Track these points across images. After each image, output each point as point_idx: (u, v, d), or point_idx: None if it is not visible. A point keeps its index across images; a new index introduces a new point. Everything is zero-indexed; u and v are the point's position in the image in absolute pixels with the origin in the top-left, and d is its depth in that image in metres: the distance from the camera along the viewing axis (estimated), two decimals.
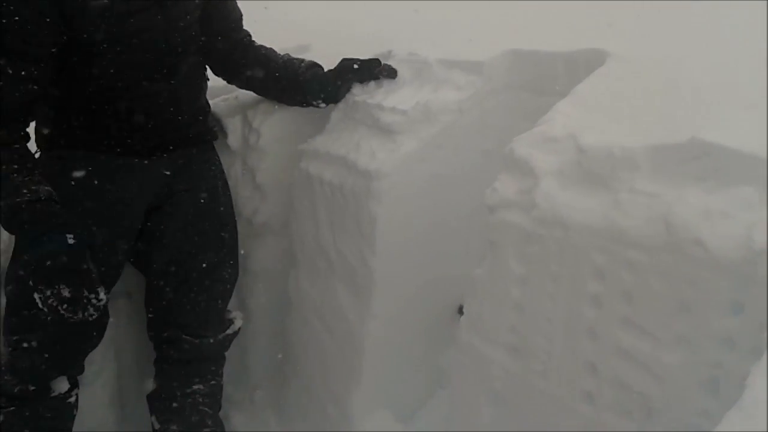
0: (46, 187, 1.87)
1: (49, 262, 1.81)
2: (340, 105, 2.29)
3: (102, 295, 1.88)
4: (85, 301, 1.83)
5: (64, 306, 1.82)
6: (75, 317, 1.83)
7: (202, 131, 2.26)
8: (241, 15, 2.32)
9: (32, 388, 2.00)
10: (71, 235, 1.85)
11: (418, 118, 2.14)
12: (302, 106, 2.32)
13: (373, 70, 2.22)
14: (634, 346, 1.47)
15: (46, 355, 1.98)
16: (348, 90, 2.26)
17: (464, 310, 1.93)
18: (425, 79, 2.25)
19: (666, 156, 1.49)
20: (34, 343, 1.96)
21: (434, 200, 2.16)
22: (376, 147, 2.08)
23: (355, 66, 2.22)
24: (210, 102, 2.33)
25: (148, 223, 2.16)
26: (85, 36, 1.90)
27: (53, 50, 1.89)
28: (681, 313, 1.39)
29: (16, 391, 1.98)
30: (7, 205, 1.82)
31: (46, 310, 1.84)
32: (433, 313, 2.27)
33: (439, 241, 2.19)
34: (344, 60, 2.25)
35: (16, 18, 1.80)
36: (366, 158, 2.07)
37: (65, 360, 2.06)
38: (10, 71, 1.83)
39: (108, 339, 2.23)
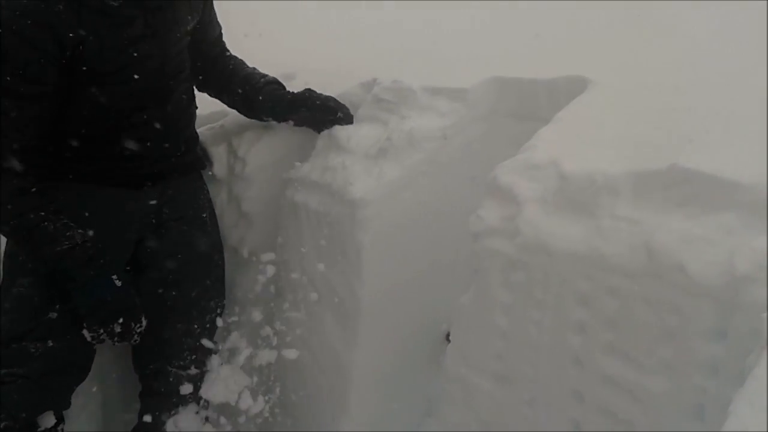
0: (79, 231, 1.93)
1: (102, 307, 1.95)
2: (324, 133, 2.29)
3: (144, 321, 2.06)
4: (133, 332, 2.04)
5: (115, 339, 2.01)
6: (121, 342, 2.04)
7: (192, 160, 2.26)
8: (221, 29, 2.34)
9: (19, 423, 1.97)
10: (115, 276, 1.97)
11: (402, 145, 2.15)
12: (259, 120, 2.33)
13: (326, 118, 2.20)
14: (619, 373, 1.47)
15: (34, 390, 1.96)
16: (300, 123, 2.26)
17: (451, 338, 1.92)
18: (409, 106, 2.26)
19: (647, 182, 1.50)
20: (21, 378, 1.94)
21: (420, 228, 2.16)
22: (361, 175, 2.08)
23: (317, 102, 2.20)
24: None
25: (137, 254, 2.15)
26: (84, 68, 1.90)
27: (58, 83, 1.88)
28: (665, 340, 1.39)
29: (2, 426, 1.96)
30: (47, 255, 1.90)
31: (94, 342, 2.01)
32: (420, 341, 2.26)
33: (425, 268, 2.19)
34: (307, 91, 2.23)
35: (18, 58, 1.79)
36: (351, 186, 2.07)
37: (53, 395, 2.03)
38: (14, 114, 1.82)
39: (93, 372, 2.20)
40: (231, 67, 2.32)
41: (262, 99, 2.23)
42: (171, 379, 2.16)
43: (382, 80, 2.38)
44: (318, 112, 2.20)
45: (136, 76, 1.97)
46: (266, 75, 2.31)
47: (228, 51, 2.37)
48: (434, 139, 2.16)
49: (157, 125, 2.07)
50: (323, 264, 2.15)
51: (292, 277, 2.26)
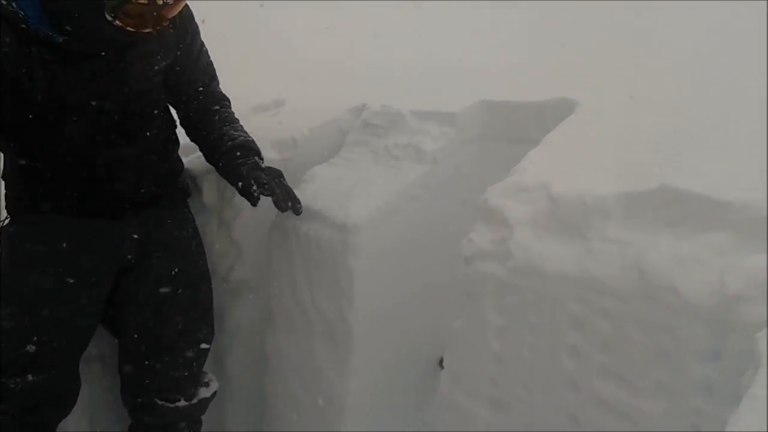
0: None
1: None
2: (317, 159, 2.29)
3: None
4: None
5: None
6: None
7: (173, 191, 2.23)
8: (210, 78, 2.25)
9: None
10: None
11: (392, 170, 2.16)
12: None
13: (279, 204, 2.09)
14: (614, 396, 1.46)
15: (14, 427, 1.92)
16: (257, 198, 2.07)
17: (444, 363, 1.90)
18: (399, 131, 2.27)
19: (637, 203, 1.50)
20: (1, 415, 1.90)
21: (411, 252, 2.15)
22: (351, 200, 2.07)
23: (264, 182, 2.06)
24: (184, 159, 2.32)
25: (121, 285, 2.12)
26: (35, 106, 1.85)
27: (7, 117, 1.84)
28: (659, 361, 1.38)
29: None
30: None
31: None
32: (414, 367, 2.24)
33: (417, 293, 2.18)
34: (255, 175, 2.07)
35: None
36: (341, 212, 2.06)
37: (37, 429, 1.99)
38: None
39: (82, 405, 2.17)
40: (210, 123, 2.21)
41: (221, 167, 2.17)
42: (160, 413, 2.12)
43: (371, 105, 2.40)
44: (276, 194, 2.07)
45: (96, 114, 1.92)
46: (236, 136, 2.17)
47: (218, 105, 2.26)
48: (424, 163, 2.16)
49: (127, 162, 2.03)
50: (314, 290, 2.13)
51: (283, 304, 2.24)
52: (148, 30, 1.78)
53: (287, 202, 2.08)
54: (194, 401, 2.17)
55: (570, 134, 1.89)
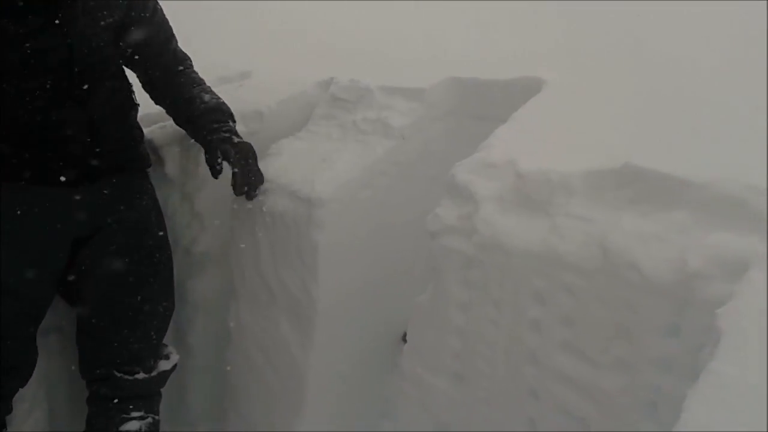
0: None
1: None
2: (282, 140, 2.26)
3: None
4: None
5: None
6: None
7: (132, 159, 2.15)
8: (168, 37, 2.16)
9: None
10: None
11: (360, 144, 2.14)
12: None
13: (234, 188, 2.02)
14: (575, 370, 1.48)
15: None
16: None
17: (407, 337, 1.91)
18: (367, 105, 2.25)
19: (601, 181, 1.51)
20: None
21: (378, 227, 2.14)
22: (317, 174, 2.05)
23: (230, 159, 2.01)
24: (145, 130, 2.26)
25: (78, 256, 2.06)
26: None
27: None
28: (619, 337, 1.40)
29: None
30: None
31: None
32: (377, 341, 2.24)
33: (383, 268, 2.17)
34: (225, 145, 2.02)
35: None
36: (307, 185, 2.04)
37: None
38: None
39: (39, 376, 2.13)
40: (176, 85, 2.14)
41: (194, 131, 2.12)
42: (118, 384, 2.09)
43: (339, 79, 2.37)
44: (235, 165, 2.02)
45: (41, 72, 1.85)
46: (208, 100, 2.11)
47: (181, 66, 2.18)
48: (392, 138, 2.15)
49: (78, 125, 1.95)
50: (278, 264, 2.11)
51: (246, 278, 2.21)
52: None
53: (243, 187, 2.01)
54: (153, 374, 2.14)
55: (537, 112, 1.90)
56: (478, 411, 1.68)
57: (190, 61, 2.25)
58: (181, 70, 2.18)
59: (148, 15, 2.08)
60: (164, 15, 2.16)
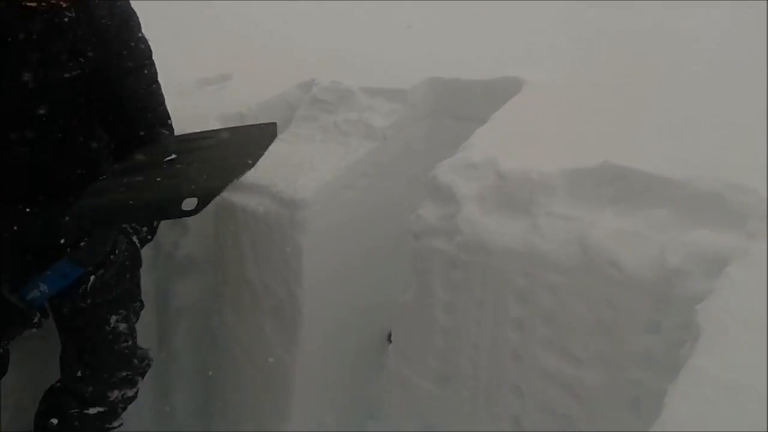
0: None
1: None
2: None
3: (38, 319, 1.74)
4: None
5: None
6: None
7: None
8: (148, 85, 1.87)
9: None
10: None
11: (342, 146, 2.14)
12: None
13: None
14: (557, 367, 1.49)
15: None
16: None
17: (392, 338, 1.91)
18: (348, 107, 2.25)
19: (581, 180, 1.53)
20: None
21: (361, 228, 2.14)
22: (300, 176, 2.05)
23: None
24: None
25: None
26: None
27: None
28: (600, 334, 1.42)
29: None
30: None
31: None
32: (362, 342, 2.24)
33: (366, 269, 2.17)
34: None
35: None
36: (290, 187, 2.04)
37: None
38: None
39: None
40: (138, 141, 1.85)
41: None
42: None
43: (320, 81, 2.37)
44: None
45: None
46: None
47: (156, 128, 1.89)
48: (374, 139, 2.15)
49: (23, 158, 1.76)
50: (262, 266, 2.11)
51: (230, 280, 2.21)
52: (33, 4, 1.59)
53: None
54: (129, 375, 2.03)
55: (517, 112, 1.91)
56: (463, 410, 1.69)
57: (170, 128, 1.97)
58: (152, 133, 1.90)
59: (137, 62, 1.85)
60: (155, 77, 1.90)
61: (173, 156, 1.70)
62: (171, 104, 1.95)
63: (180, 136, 1.94)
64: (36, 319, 1.73)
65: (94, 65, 1.77)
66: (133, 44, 1.83)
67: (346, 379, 2.21)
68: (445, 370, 1.73)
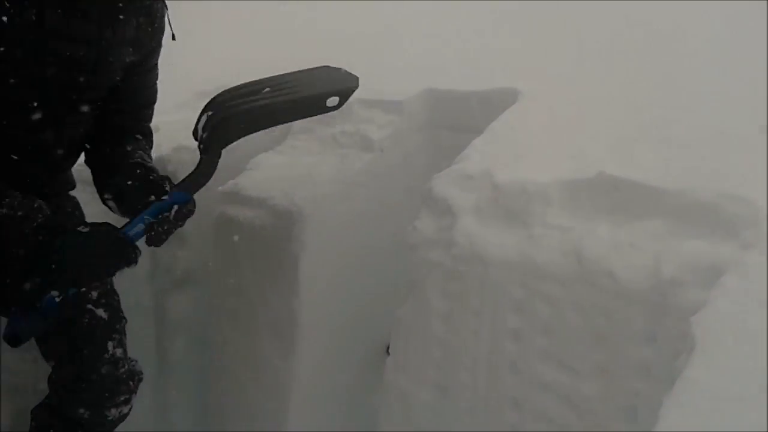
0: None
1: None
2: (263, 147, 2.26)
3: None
4: None
5: None
6: None
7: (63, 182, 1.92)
8: (147, 104, 1.91)
9: None
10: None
11: (339, 158, 2.15)
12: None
13: None
14: (555, 378, 1.49)
15: None
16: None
17: (390, 350, 1.91)
18: (345, 118, 2.26)
19: (576, 191, 1.53)
20: None
21: (358, 239, 2.15)
22: (297, 188, 2.06)
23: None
24: None
25: None
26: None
27: None
28: (597, 344, 1.42)
29: None
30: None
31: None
32: (360, 354, 2.24)
33: (364, 280, 2.17)
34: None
35: None
36: (287, 200, 2.04)
37: None
38: None
39: None
40: (130, 161, 1.79)
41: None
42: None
43: None
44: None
45: (44, 74, 1.62)
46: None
47: (141, 138, 1.89)
48: (371, 150, 2.16)
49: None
50: (259, 279, 2.11)
51: (227, 293, 2.21)
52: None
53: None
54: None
55: (513, 123, 1.92)
56: (462, 421, 1.68)
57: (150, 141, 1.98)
58: (135, 143, 1.89)
59: (153, 77, 1.89)
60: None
61: (268, 89, 1.78)
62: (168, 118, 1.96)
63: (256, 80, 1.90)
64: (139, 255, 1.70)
65: (136, 59, 1.80)
66: (162, 39, 1.86)
67: (344, 392, 2.21)
68: (443, 382, 1.73)
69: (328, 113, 2.29)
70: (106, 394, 1.89)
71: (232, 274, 2.19)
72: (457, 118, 2.19)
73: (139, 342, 2.05)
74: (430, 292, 1.73)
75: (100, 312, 1.85)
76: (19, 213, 1.55)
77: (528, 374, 1.54)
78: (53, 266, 1.57)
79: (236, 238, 2.15)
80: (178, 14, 1.94)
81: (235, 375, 2.22)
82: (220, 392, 2.29)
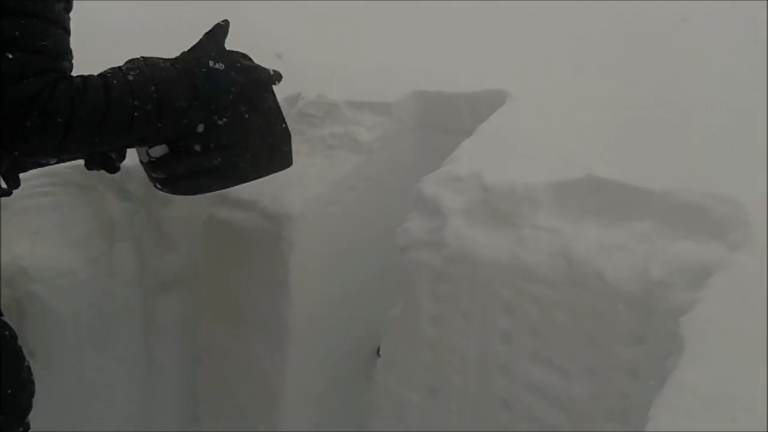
0: None
1: None
2: None
3: None
4: None
5: None
6: None
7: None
8: None
9: None
10: None
11: (328, 160, 2.15)
12: None
13: None
14: (544, 380, 1.49)
15: None
16: None
17: (381, 352, 1.91)
18: (334, 120, 2.26)
19: (565, 192, 1.53)
20: None
21: (348, 242, 2.14)
22: (286, 191, 2.05)
23: None
24: None
25: None
26: None
27: None
28: (587, 346, 1.42)
29: None
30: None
31: None
32: (351, 356, 2.24)
33: (354, 283, 2.17)
34: None
35: None
36: (276, 202, 2.04)
37: None
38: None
39: None
40: None
41: None
42: None
43: (306, 94, 2.37)
44: None
45: None
46: None
47: None
48: (360, 152, 2.16)
49: None
50: (249, 282, 2.10)
51: (216, 297, 2.20)
52: None
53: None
54: None
55: (502, 125, 1.92)
56: (452, 423, 1.68)
57: None
58: None
59: None
60: None
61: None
62: None
63: None
64: None
65: None
66: None
67: (336, 393, 2.20)
68: (434, 383, 1.73)
69: (316, 114, 2.31)
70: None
71: (222, 277, 2.18)
72: (446, 120, 2.19)
73: (127, 345, 2.05)
74: (420, 293, 1.73)
75: None
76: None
77: (518, 375, 1.54)
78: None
79: (225, 240, 2.14)
80: None
81: (225, 377, 2.21)
82: (209, 395, 2.28)
